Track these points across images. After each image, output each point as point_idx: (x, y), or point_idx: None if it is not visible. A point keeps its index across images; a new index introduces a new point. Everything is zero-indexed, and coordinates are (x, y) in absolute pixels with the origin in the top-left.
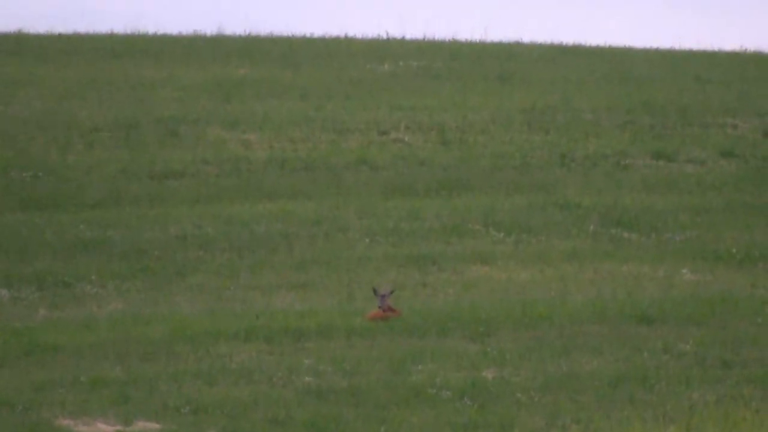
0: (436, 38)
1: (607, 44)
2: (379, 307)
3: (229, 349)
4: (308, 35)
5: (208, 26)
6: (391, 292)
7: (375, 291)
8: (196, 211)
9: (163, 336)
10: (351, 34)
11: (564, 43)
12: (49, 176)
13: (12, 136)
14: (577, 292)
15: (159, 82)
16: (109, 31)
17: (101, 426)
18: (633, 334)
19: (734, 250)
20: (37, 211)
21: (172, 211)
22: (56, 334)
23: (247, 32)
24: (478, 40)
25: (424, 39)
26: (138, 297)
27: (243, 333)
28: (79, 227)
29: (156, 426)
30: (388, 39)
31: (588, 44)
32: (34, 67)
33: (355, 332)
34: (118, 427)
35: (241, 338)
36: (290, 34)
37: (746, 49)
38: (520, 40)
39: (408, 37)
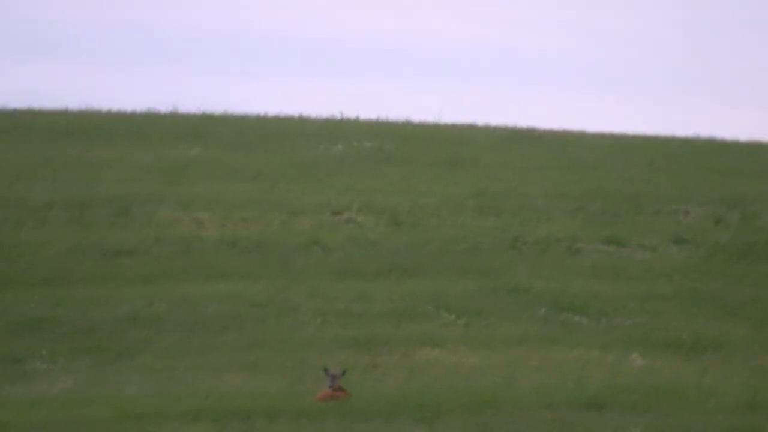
0: (390, 119)
1: (561, 128)
2: (330, 387)
3: (177, 429)
4: (262, 114)
5: (162, 105)
6: (343, 373)
7: (326, 371)
8: (147, 290)
9: (111, 416)
10: (305, 114)
11: (518, 126)
12: (0, 254)
13: None
14: (525, 377)
15: (111, 161)
16: (63, 108)
17: None
18: (581, 420)
19: (683, 337)
20: None
21: (123, 289)
22: (3, 412)
23: (201, 110)
24: (431, 122)
25: (377, 120)
26: (87, 375)
27: (191, 413)
28: (29, 305)
29: None
30: (341, 119)
31: (541, 128)
32: None
33: (305, 414)
34: None
35: (189, 419)
36: (244, 114)
37: (699, 136)
38: (473, 123)
39: (362, 117)
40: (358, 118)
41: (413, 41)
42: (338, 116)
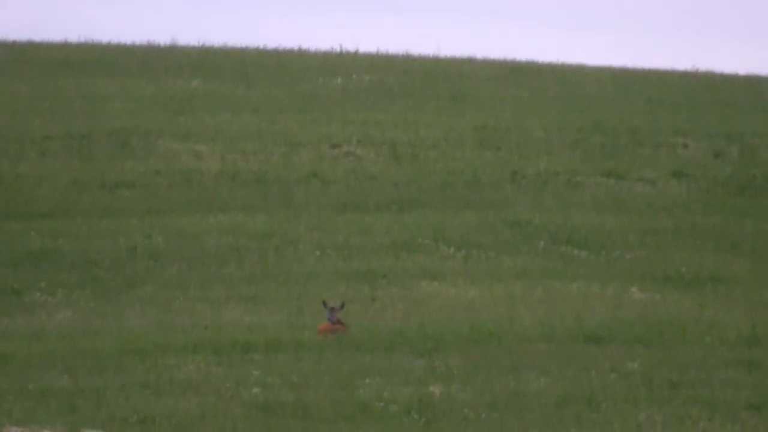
0: (389, 53)
1: (560, 62)
2: (329, 320)
3: (177, 360)
4: (261, 48)
5: (161, 37)
6: (341, 306)
7: (325, 304)
8: (147, 223)
9: (112, 348)
10: (304, 47)
11: (517, 60)
12: (0, 186)
13: None
14: (525, 310)
15: (111, 93)
16: (63, 41)
17: None
18: (581, 353)
19: (683, 271)
20: None
21: (123, 222)
22: (4, 344)
23: (200, 44)
24: (431, 56)
25: (377, 53)
26: (87, 307)
27: (191, 345)
28: (29, 236)
29: None
30: (341, 53)
31: (540, 62)
32: None
33: (304, 346)
34: None
35: (190, 350)
36: (243, 47)
37: (698, 69)
38: (473, 56)
39: (361, 51)
40: (357, 51)
41: None
42: (337, 49)
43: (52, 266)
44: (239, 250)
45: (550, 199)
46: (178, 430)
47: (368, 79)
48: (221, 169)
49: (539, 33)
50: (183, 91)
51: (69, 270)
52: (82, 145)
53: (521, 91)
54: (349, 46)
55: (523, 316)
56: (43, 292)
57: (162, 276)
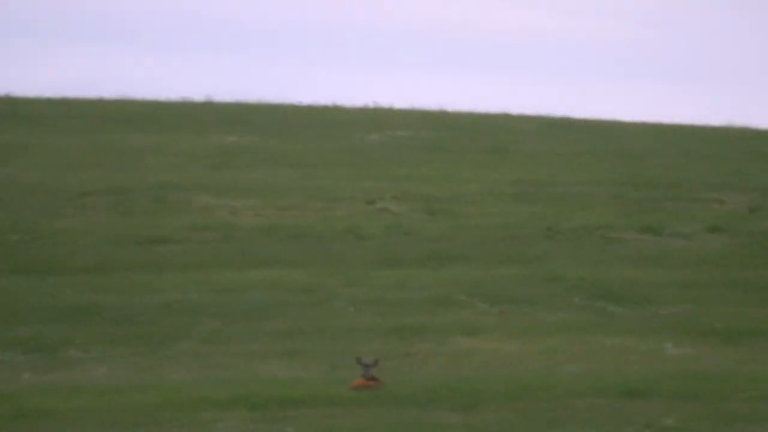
0: (424, 108)
1: (595, 117)
2: (363, 376)
3: (214, 415)
4: (296, 103)
5: (197, 93)
6: (376, 363)
7: (358, 361)
8: (185, 278)
9: (149, 403)
10: (339, 102)
11: (552, 116)
12: (39, 241)
13: (3, 201)
14: (561, 365)
15: (148, 148)
16: (99, 97)
17: None
18: (619, 408)
19: (720, 325)
20: (25, 275)
21: (161, 277)
22: (43, 399)
23: (235, 99)
24: (465, 111)
25: (412, 109)
26: (125, 363)
27: (228, 401)
28: (66, 292)
29: None
30: (376, 108)
31: (576, 117)
32: (25, 133)
33: (339, 402)
34: None
35: (226, 405)
36: (279, 102)
37: (733, 124)
38: (507, 111)
39: (396, 106)
40: (392, 107)
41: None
42: (372, 105)
43: (90, 322)
44: (276, 305)
45: (587, 253)
46: None
47: (404, 135)
48: (257, 224)
49: (572, 88)
50: (219, 146)
51: (107, 325)
52: (120, 200)
53: (557, 145)
54: (384, 101)
55: (559, 371)
56: (83, 348)
57: (199, 331)
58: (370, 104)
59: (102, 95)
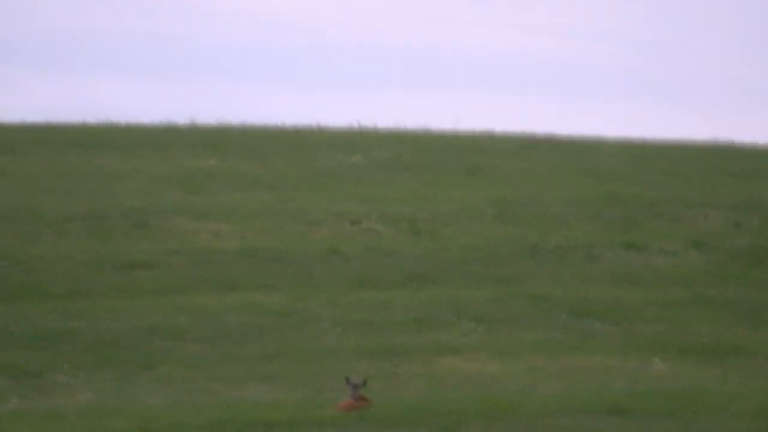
0: (408, 128)
1: (578, 134)
2: (351, 397)
3: None
4: (280, 125)
5: (179, 117)
6: (364, 383)
7: (348, 380)
8: (165, 302)
9: (130, 428)
10: (323, 123)
11: (535, 133)
12: (16, 267)
13: None
14: (545, 384)
15: (126, 173)
16: (81, 122)
17: None
18: (602, 426)
19: (703, 342)
20: (2, 302)
21: (141, 301)
22: (23, 426)
23: (218, 122)
24: (449, 130)
25: (395, 129)
26: (107, 387)
27: (212, 425)
28: (47, 318)
29: None
30: (360, 129)
31: (559, 135)
32: (1, 159)
33: (326, 424)
34: None
35: (208, 429)
36: (262, 124)
37: (717, 140)
38: (491, 130)
39: (380, 126)
40: (375, 127)
41: (425, 50)
42: (356, 125)
43: (69, 347)
44: (257, 329)
45: (569, 272)
46: None
47: (386, 156)
48: (239, 247)
49: (553, 105)
50: (200, 169)
51: (87, 351)
52: (97, 225)
53: (537, 164)
54: (368, 122)
55: (543, 390)
56: (62, 373)
57: (180, 355)
58: (355, 124)
59: (85, 120)
